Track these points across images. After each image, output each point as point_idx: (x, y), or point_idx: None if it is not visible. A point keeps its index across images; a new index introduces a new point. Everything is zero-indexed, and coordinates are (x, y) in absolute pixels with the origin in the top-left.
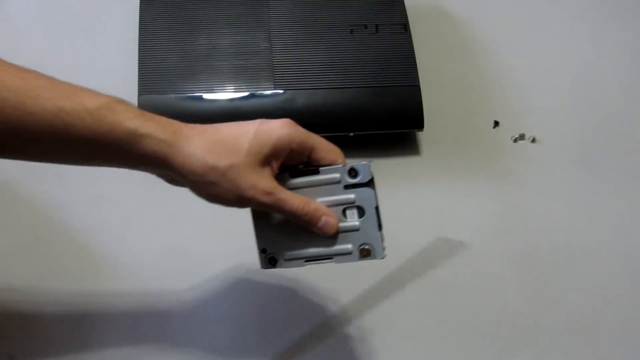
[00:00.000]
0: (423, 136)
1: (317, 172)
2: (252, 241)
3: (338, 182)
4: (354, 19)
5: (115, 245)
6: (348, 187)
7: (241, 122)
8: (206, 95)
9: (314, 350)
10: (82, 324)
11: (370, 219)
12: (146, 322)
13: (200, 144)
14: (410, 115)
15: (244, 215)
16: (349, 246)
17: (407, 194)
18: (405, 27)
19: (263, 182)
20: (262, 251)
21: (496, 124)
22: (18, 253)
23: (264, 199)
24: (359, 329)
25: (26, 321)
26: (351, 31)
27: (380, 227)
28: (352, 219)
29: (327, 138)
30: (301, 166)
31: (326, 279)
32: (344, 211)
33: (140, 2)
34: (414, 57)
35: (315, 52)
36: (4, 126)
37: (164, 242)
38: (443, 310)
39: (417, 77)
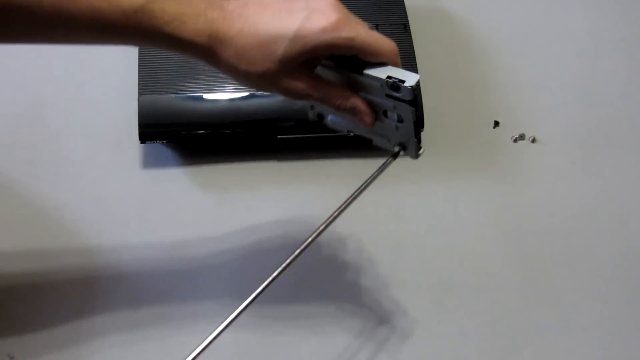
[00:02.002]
0: (423, 136)
1: (360, 73)
2: (251, 241)
3: (380, 87)
4: None
5: (115, 245)
6: (390, 96)
7: (283, 9)
8: (206, 95)
9: (313, 350)
10: (82, 323)
11: (408, 127)
12: (146, 322)
13: (233, 51)
14: None
15: (244, 215)
16: (388, 137)
17: (407, 194)
18: (405, 27)
19: (299, 85)
20: (311, 107)
21: (496, 124)
22: (18, 253)
23: (302, 98)
24: (359, 329)
25: (26, 321)
26: None
27: (417, 136)
28: (391, 120)
29: (327, 138)
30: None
31: (326, 279)
32: (384, 111)
33: None
34: (414, 57)
35: None
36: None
37: (164, 242)
38: (443, 310)
39: None
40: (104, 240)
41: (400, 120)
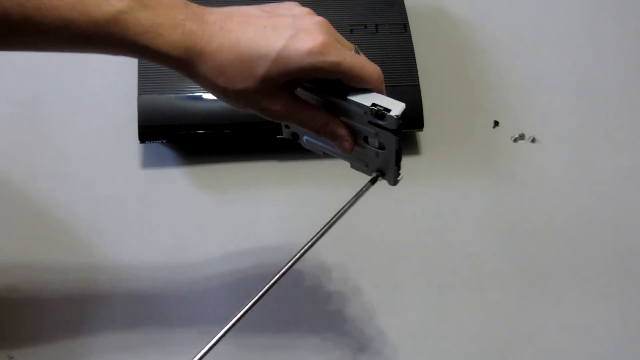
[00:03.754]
0: (423, 136)
1: (344, 99)
2: (251, 241)
3: (363, 114)
4: (353, 18)
5: (115, 245)
6: (373, 123)
7: (268, 26)
8: (206, 95)
9: (312, 350)
10: (82, 324)
11: (389, 155)
12: (146, 322)
13: (211, 66)
14: (410, 115)
15: (244, 216)
16: (366, 161)
17: (407, 194)
18: (405, 27)
19: (278, 106)
20: (285, 126)
21: (496, 124)
22: (18, 253)
23: (280, 119)
24: (359, 329)
25: (26, 321)
26: (351, 31)
27: (397, 164)
28: (372, 146)
29: None
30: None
31: (326, 279)
32: (365, 137)
33: None
34: (414, 57)
35: None
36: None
37: (164, 242)
38: (443, 310)
39: (417, 77)
40: (104, 240)
41: (381, 148)
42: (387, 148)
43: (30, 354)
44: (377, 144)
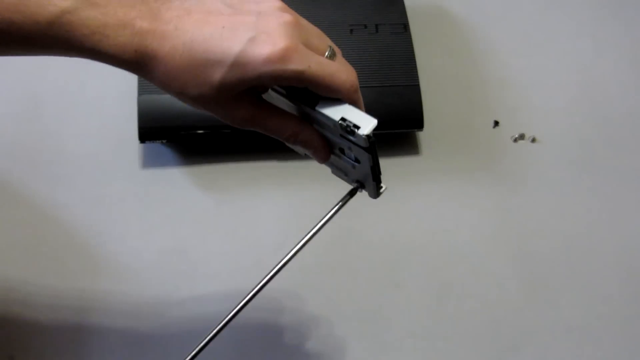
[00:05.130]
0: (423, 136)
1: (313, 108)
2: (251, 241)
3: (333, 127)
4: (353, 18)
5: (115, 245)
6: (344, 137)
7: (227, 26)
8: None
9: (312, 349)
10: (82, 324)
11: (365, 170)
12: (146, 322)
13: (163, 70)
14: (410, 115)
15: (244, 216)
16: (345, 171)
17: (407, 194)
18: (405, 27)
19: (239, 114)
20: None
21: (496, 124)
22: (18, 253)
23: (243, 127)
24: (359, 329)
25: (26, 321)
26: (351, 31)
27: (375, 179)
28: (348, 159)
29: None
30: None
31: (325, 279)
32: (341, 148)
33: None
34: (414, 57)
35: None
36: None
37: (164, 242)
38: (443, 310)
39: (417, 77)
40: (104, 240)
41: (357, 161)
42: (362, 162)
43: (30, 354)
44: (352, 157)
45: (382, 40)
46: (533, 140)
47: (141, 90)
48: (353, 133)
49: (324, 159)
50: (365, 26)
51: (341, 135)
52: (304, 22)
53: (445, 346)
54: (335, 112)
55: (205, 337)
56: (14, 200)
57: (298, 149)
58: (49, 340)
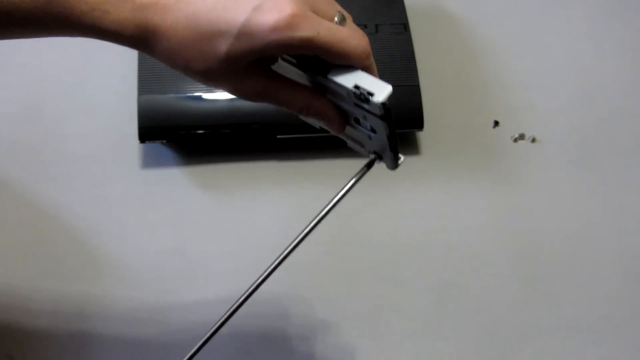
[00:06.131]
0: (423, 136)
1: (324, 76)
2: (251, 241)
3: (347, 95)
4: (353, 18)
5: (115, 245)
6: (358, 105)
7: None
8: (206, 95)
9: (311, 350)
10: (82, 324)
11: (382, 139)
12: (146, 321)
13: (167, 45)
14: (410, 115)
15: (244, 216)
16: (361, 143)
17: (407, 194)
18: (405, 27)
19: (249, 86)
20: None
21: (496, 123)
22: (18, 253)
23: (254, 100)
24: (359, 329)
25: (26, 321)
26: None
27: (392, 150)
28: (364, 129)
29: (327, 138)
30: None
31: (325, 278)
32: (356, 118)
33: None
34: (414, 57)
35: None
36: None
37: (164, 242)
38: (443, 310)
39: (417, 77)
40: (104, 240)
41: (374, 131)
42: (378, 132)
43: (30, 354)
44: (368, 127)
45: (382, 40)
46: (533, 140)
47: (141, 90)
48: (367, 101)
49: (339, 130)
50: (365, 26)
51: (355, 104)
52: None
53: (445, 346)
54: (348, 80)
55: (209, 331)
56: (14, 200)
57: (312, 121)
58: (49, 340)
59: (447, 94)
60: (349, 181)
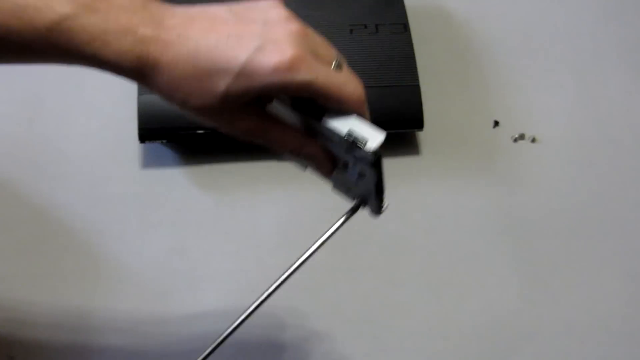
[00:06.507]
0: (423, 136)
1: (319, 120)
2: (251, 242)
3: (339, 141)
4: (353, 18)
5: (115, 245)
6: (349, 151)
7: (233, 34)
8: None
9: (312, 350)
10: (82, 324)
11: (369, 186)
12: (146, 322)
13: (166, 79)
14: (410, 115)
15: (244, 216)
16: (347, 187)
17: (407, 194)
18: (405, 27)
19: (242, 125)
20: None
21: (496, 124)
22: (18, 253)
23: (247, 136)
24: (358, 329)
25: (26, 321)
26: (351, 31)
27: (378, 197)
28: (352, 175)
29: None
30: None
31: (324, 278)
32: (345, 162)
33: None
34: (414, 57)
35: None
36: None
37: (164, 242)
38: (443, 310)
39: (417, 77)
40: (104, 240)
41: (361, 176)
42: (366, 178)
43: (30, 354)
44: (356, 172)
45: (382, 40)
46: (533, 140)
47: (141, 90)
48: (359, 147)
49: (327, 173)
50: (365, 26)
51: (346, 149)
52: (311, 31)
53: (445, 346)
54: (341, 125)
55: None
56: (14, 200)
57: (300, 162)
58: (49, 340)
59: (447, 94)
60: (334, 224)
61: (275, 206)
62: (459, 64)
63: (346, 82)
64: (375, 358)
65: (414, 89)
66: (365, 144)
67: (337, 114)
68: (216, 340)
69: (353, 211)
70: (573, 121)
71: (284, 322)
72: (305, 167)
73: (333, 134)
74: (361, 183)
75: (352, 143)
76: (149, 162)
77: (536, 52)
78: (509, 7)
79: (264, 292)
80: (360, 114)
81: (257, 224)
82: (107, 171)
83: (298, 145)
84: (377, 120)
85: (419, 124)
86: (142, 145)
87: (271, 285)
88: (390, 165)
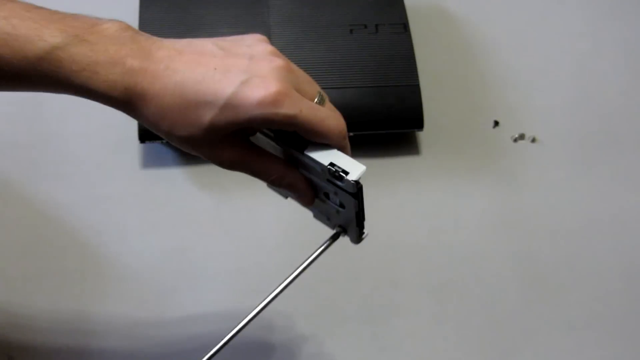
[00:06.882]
0: (423, 136)
1: (301, 152)
2: (251, 242)
3: (321, 172)
4: (353, 18)
5: (115, 245)
6: (331, 182)
7: (219, 68)
8: None
9: (312, 350)
10: (82, 324)
11: (349, 215)
12: (146, 322)
13: (153, 110)
14: (410, 115)
15: (244, 216)
16: (328, 216)
17: (407, 194)
18: (405, 27)
19: (226, 155)
20: None
21: (496, 123)
22: (18, 253)
23: (230, 166)
24: (358, 329)
25: (26, 321)
26: (351, 31)
27: (358, 225)
28: (332, 204)
29: None
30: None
31: (324, 279)
32: (325, 193)
33: (140, 2)
34: (414, 57)
35: (315, 52)
36: None
37: (164, 242)
38: (443, 310)
39: (417, 77)
40: (104, 240)
41: (342, 206)
42: (347, 208)
43: (30, 354)
44: (337, 202)
45: (382, 40)
46: (533, 140)
47: None
48: (341, 178)
49: (308, 203)
50: (365, 26)
51: (328, 180)
52: (295, 67)
53: (445, 346)
54: (324, 157)
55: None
56: (14, 200)
57: (282, 191)
58: (49, 340)
59: (447, 94)
60: (314, 252)
61: (275, 206)
62: (459, 64)
63: (329, 116)
64: (375, 358)
65: (414, 89)
66: (347, 174)
67: (318, 146)
68: (207, 354)
69: (333, 239)
70: (573, 121)
71: (276, 324)
72: (287, 196)
73: (315, 165)
74: (342, 212)
75: (334, 174)
76: (149, 162)
77: (536, 52)
78: (509, 7)
79: (244, 318)
80: (342, 148)
81: (257, 224)
82: (107, 171)
83: (280, 175)
84: (377, 120)
85: (419, 124)
86: (142, 145)
87: (253, 310)
88: (390, 165)
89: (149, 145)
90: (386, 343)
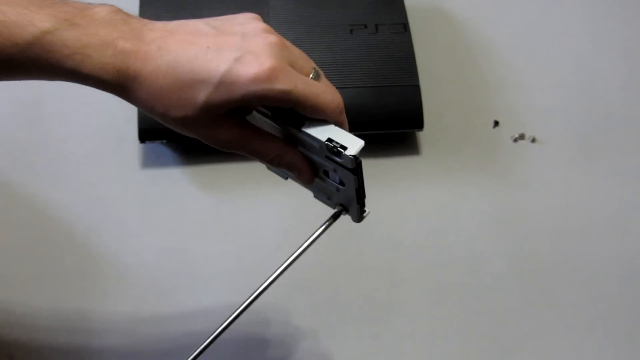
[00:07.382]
0: (423, 136)
1: (299, 129)
2: (251, 242)
3: (319, 148)
4: (353, 18)
5: (115, 245)
6: (330, 158)
7: (212, 46)
8: None
9: (312, 350)
10: (82, 324)
11: (349, 192)
12: (146, 322)
13: (146, 91)
14: (410, 115)
15: (244, 216)
16: (328, 195)
17: (407, 194)
18: (405, 27)
19: (222, 136)
20: None
21: (496, 123)
22: (18, 253)
23: (226, 149)
24: (358, 329)
25: (26, 321)
26: (351, 31)
27: (359, 202)
28: (332, 182)
29: None
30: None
31: (325, 279)
32: (325, 170)
33: (140, 2)
34: (414, 57)
35: (315, 52)
36: None
37: (164, 242)
38: (443, 310)
39: (417, 77)
40: (104, 240)
41: (342, 183)
42: (347, 185)
43: (30, 354)
44: (337, 179)
45: (382, 40)
46: (533, 140)
47: None
48: (339, 154)
49: (308, 182)
50: (365, 26)
51: (326, 157)
52: (289, 44)
53: (445, 346)
54: (321, 133)
55: (201, 345)
56: (13, 200)
57: (281, 171)
58: (49, 340)
59: (447, 94)
60: (315, 231)
61: (275, 206)
62: (459, 64)
63: (324, 91)
64: (375, 358)
65: (414, 89)
66: (345, 150)
67: (316, 122)
68: (199, 346)
69: (334, 218)
70: (573, 121)
71: (270, 319)
72: (286, 177)
73: (313, 141)
74: (342, 190)
75: (332, 149)
76: (149, 162)
77: (536, 52)
78: (508, 7)
79: (249, 296)
80: (339, 123)
81: (257, 224)
82: (107, 171)
83: (279, 154)
84: (377, 120)
85: (419, 124)
86: (142, 145)
87: (256, 290)
88: (390, 165)
89: (148, 145)
90: (386, 343)
